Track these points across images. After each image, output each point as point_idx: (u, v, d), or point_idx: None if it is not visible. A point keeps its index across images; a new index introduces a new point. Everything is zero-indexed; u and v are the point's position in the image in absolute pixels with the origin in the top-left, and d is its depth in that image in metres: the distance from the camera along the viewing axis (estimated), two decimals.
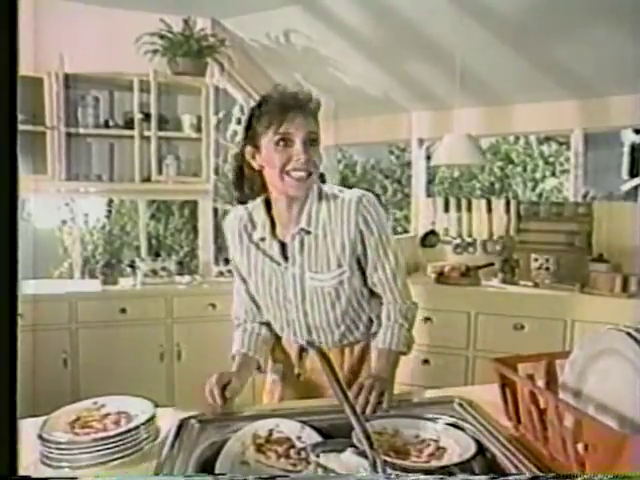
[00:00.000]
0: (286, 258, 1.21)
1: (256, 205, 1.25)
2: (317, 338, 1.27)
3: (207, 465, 0.91)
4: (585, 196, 4.38)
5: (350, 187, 1.24)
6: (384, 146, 6.74)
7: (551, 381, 0.95)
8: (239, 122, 4.09)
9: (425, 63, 3.29)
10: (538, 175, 6.73)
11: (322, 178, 1.23)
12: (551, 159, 6.72)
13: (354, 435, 0.87)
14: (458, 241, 3.45)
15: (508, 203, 3.39)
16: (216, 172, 3.04)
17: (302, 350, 1.31)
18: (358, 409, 0.97)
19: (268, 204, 1.23)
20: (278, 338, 1.35)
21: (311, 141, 1.11)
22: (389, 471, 0.77)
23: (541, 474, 0.82)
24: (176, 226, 5.47)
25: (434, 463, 0.89)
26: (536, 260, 3.03)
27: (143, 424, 0.93)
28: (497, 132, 4.59)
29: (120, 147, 3.08)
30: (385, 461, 0.78)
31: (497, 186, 6.88)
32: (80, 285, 3.08)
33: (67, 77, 2.83)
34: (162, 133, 3.01)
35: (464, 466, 0.86)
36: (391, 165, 7.20)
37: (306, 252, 1.20)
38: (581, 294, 2.75)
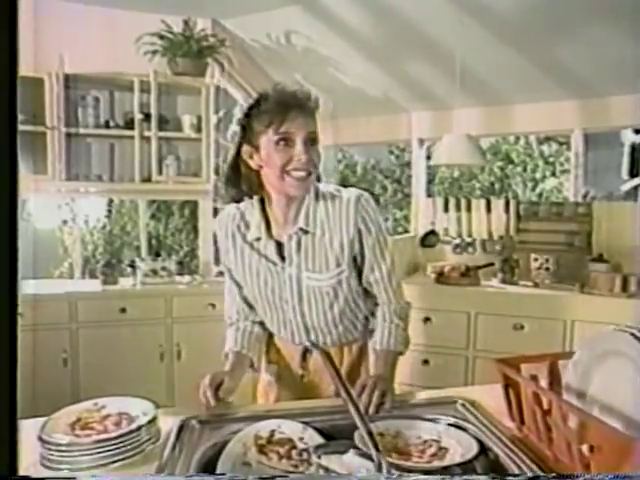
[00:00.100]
0: (282, 258, 1.20)
1: (249, 205, 1.23)
2: (315, 339, 1.27)
3: (209, 466, 0.90)
4: (585, 196, 4.37)
5: (351, 187, 1.23)
6: (384, 146, 6.73)
7: (554, 382, 0.94)
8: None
9: (425, 63, 3.29)
10: (538, 175, 6.72)
11: (317, 177, 1.21)
12: (551, 159, 6.71)
13: (356, 436, 0.87)
14: (458, 241, 3.45)
15: (508, 203, 3.39)
16: (216, 172, 3.03)
17: (306, 351, 1.30)
18: (362, 409, 0.97)
19: (262, 203, 1.21)
20: (271, 337, 1.34)
21: (311, 140, 1.11)
22: (392, 472, 0.77)
23: (542, 474, 0.82)
24: (176, 226, 5.47)
25: (436, 463, 0.89)
26: (536, 260, 3.03)
27: (144, 425, 0.92)
28: (497, 132, 4.58)
29: (120, 147, 3.08)
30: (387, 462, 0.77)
31: (497, 186, 6.87)
32: (80, 285, 3.07)
33: (67, 77, 2.83)
34: (162, 133, 3.01)
35: (466, 466, 0.86)
36: (391, 165, 7.19)
37: (303, 252, 1.19)
38: (581, 294, 2.74)
